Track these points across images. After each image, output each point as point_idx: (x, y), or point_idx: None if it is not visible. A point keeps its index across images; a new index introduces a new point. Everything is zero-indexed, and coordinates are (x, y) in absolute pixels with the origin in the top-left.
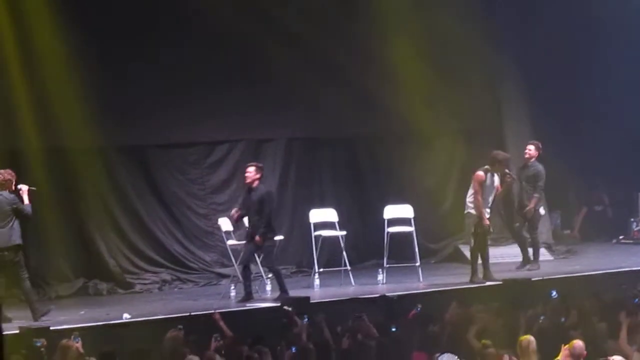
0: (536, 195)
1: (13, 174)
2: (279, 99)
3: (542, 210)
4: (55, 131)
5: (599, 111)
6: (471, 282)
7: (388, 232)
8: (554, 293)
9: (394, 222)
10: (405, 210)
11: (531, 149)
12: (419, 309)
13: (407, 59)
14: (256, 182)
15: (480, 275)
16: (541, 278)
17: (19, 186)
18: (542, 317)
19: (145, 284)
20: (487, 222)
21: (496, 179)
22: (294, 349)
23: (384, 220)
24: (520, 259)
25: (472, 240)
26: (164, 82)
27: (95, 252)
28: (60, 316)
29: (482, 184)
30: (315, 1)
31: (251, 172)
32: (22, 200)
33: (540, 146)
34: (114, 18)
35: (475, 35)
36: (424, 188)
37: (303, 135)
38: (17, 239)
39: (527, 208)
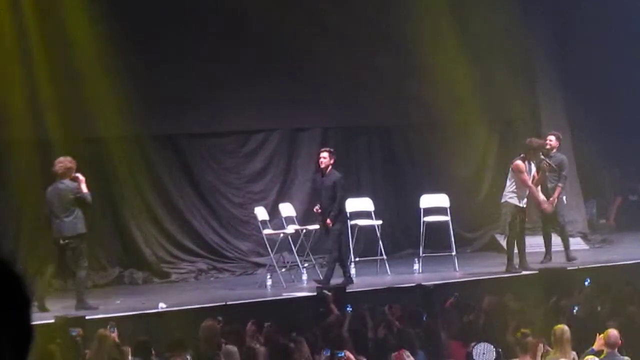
0: (560, 184)
1: (74, 162)
2: (315, 88)
3: (564, 199)
4: (90, 120)
5: (634, 100)
6: (507, 271)
7: (424, 222)
8: (588, 281)
9: (429, 211)
10: (441, 200)
11: (552, 140)
12: (456, 296)
13: (443, 49)
14: (330, 167)
15: (517, 264)
16: (577, 267)
17: (77, 175)
18: (576, 307)
19: (181, 273)
20: (547, 206)
21: (533, 167)
22: (327, 351)
23: (419, 209)
24: (558, 248)
25: (509, 230)
26: (200, 71)
27: (131, 241)
28: (95, 305)
29: (525, 173)
30: None
31: (326, 157)
32: (80, 189)
33: (561, 137)
34: (149, 6)
35: (512, 26)
36: (460, 177)
37: (338, 125)
38: (82, 228)
39: (552, 198)
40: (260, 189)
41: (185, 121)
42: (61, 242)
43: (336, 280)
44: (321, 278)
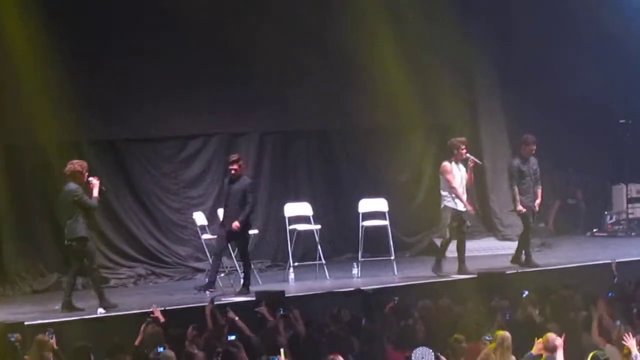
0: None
1: (84, 165)
2: (252, 93)
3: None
4: (27, 127)
5: (572, 105)
6: (435, 273)
7: (363, 226)
8: (526, 293)
9: (368, 215)
10: (379, 204)
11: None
12: (395, 301)
13: (381, 54)
14: (239, 173)
15: (455, 268)
16: (515, 271)
17: (90, 179)
18: (510, 313)
19: (120, 278)
20: (472, 208)
21: (462, 167)
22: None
23: (358, 213)
24: (503, 252)
25: (449, 233)
26: (138, 77)
27: (68, 247)
28: (34, 311)
29: (451, 173)
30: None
31: (235, 166)
32: (90, 193)
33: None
34: (89, 12)
35: (450, 30)
36: (399, 182)
37: (276, 129)
38: (81, 232)
39: (538, 201)
40: (199, 194)
41: (124, 126)
42: (65, 243)
43: (273, 285)
44: (260, 283)
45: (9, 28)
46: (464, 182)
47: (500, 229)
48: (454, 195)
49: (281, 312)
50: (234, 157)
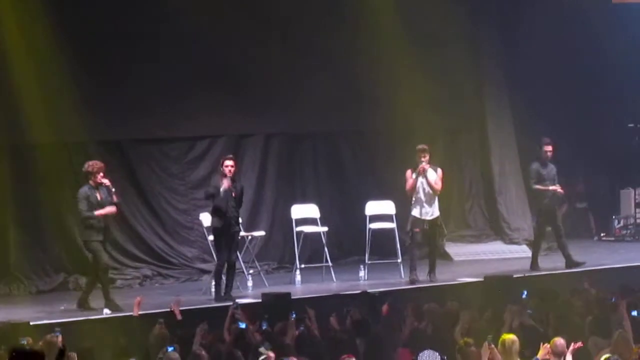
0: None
1: (96, 166)
2: (259, 95)
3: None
4: (34, 127)
5: (580, 109)
6: (409, 281)
7: (370, 228)
8: (525, 293)
9: (375, 218)
10: (387, 207)
11: (550, 148)
12: (390, 302)
13: (391, 58)
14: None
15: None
16: (522, 275)
17: (103, 180)
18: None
19: (126, 279)
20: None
21: (431, 174)
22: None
23: (365, 216)
24: (511, 255)
25: (409, 241)
26: (146, 78)
27: (75, 247)
28: (40, 312)
29: (408, 179)
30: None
31: (232, 165)
32: (99, 194)
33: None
34: (97, 13)
35: (458, 35)
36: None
37: (283, 131)
38: (84, 235)
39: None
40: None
41: (131, 127)
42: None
43: (279, 287)
44: (266, 285)
45: (17, 29)
46: (426, 189)
47: (508, 232)
48: (413, 202)
49: (293, 314)
50: (229, 158)
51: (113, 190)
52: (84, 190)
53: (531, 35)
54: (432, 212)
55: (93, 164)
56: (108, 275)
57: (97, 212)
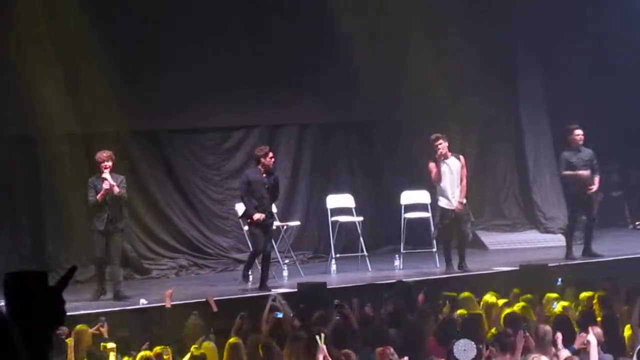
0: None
1: (101, 156)
2: (293, 85)
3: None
4: (71, 116)
5: (616, 98)
6: (445, 272)
7: (405, 218)
8: (560, 281)
9: (410, 207)
10: (422, 196)
11: (580, 133)
12: (425, 292)
13: (424, 47)
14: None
15: (456, 266)
16: (558, 264)
17: (103, 175)
18: (555, 304)
19: (162, 269)
20: (458, 205)
21: (453, 162)
22: None
23: (400, 205)
24: (546, 245)
25: (439, 232)
26: (180, 69)
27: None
28: (77, 301)
29: (432, 171)
30: None
31: (273, 156)
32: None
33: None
34: (133, 4)
35: (492, 22)
36: None
37: (317, 121)
38: (91, 224)
39: (594, 189)
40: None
41: (166, 117)
42: None
43: (314, 277)
44: (302, 274)
45: (53, 17)
46: (457, 179)
47: (543, 221)
48: (438, 192)
49: (336, 302)
50: (271, 151)
51: (114, 183)
52: (92, 179)
53: (566, 21)
54: (457, 199)
55: (99, 154)
56: (103, 268)
57: (98, 196)
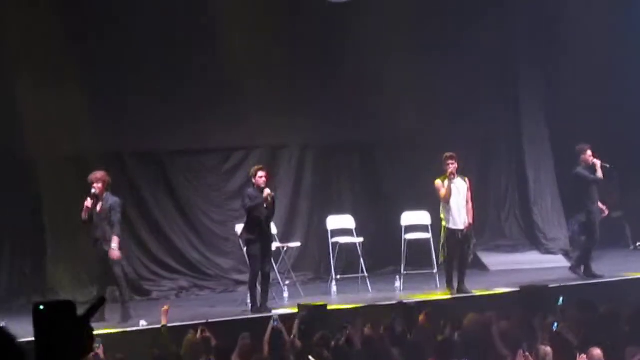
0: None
1: (92, 177)
2: (294, 106)
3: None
4: (70, 138)
5: (618, 119)
6: (446, 292)
7: (405, 239)
8: (561, 299)
9: (411, 228)
10: (422, 217)
11: (590, 153)
12: (428, 313)
13: (424, 67)
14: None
15: (455, 286)
16: (559, 285)
17: (87, 199)
18: (556, 324)
19: (162, 290)
20: (466, 225)
21: (460, 183)
22: None
23: (401, 226)
24: (547, 265)
25: (444, 253)
26: (181, 88)
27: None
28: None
29: (439, 189)
30: (331, 10)
31: (266, 175)
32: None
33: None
34: (131, 24)
35: (494, 42)
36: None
37: (318, 142)
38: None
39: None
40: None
41: (168, 138)
42: None
43: (315, 298)
44: (302, 295)
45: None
46: (463, 199)
47: (544, 242)
48: (444, 215)
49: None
50: (262, 169)
51: (89, 204)
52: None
53: (567, 40)
54: (463, 221)
55: (91, 175)
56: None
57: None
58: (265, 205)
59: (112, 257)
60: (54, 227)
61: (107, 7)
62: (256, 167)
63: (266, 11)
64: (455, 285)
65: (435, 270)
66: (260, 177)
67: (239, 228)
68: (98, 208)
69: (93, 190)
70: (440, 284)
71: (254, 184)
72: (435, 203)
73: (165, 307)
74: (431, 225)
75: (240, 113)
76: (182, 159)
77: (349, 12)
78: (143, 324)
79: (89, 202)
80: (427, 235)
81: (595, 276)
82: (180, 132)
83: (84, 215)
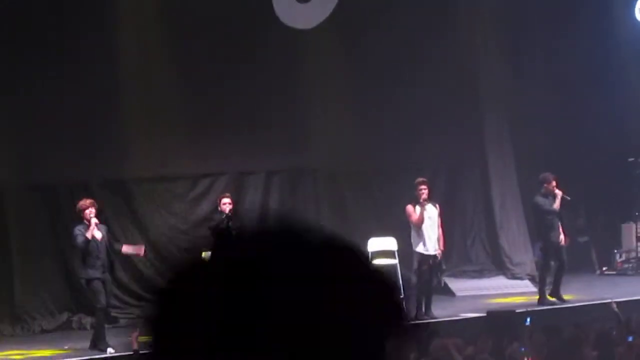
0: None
1: (84, 204)
2: (261, 133)
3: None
4: (37, 168)
5: (581, 144)
6: (417, 318)
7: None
8: (528, 320)
9: (377, 254)
10: (389, 243)
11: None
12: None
13: (391, 98)
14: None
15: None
16: (525, 310)
17: (89, 219)
18: (523, 349)
19: (130, 318)
20: (437, 252)
21: (431, 209)
22: None
23: (367, 252)
24: (513, 290)
25: (416, 277)
26: (149, 116)
27: (79, 286)
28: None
29: (411, 214)
30: (292, 36)
31: (230, 202)
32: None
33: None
34: (101, 55)
35: (460, 69)
36: (407, 221)
37: (284, 168)
38: (81, 272)
39: (564, 237)
40: (208, 234)
41: (133, 166)
42: None
43: None
44: None
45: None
46: (433, 224)
47: (510, 267)
48: (414, 238)
49: None
50: (226, 196)
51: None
52: (78, 227)
53: (532, 68)
54: (434, 246)
55: (82, 202)
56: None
57: (124, 249)
58: (233, 231)
59: (141, 254)
60: (21, 256)
61: (72, 40)
62: (220, 195)
63: (225, 39)
64: (423, 310)
65: (402, 296)
66: (224, 203)
67: (206, 255)
68: (99, 235)
69: (93, 217)
70: (409, 309)
71: (219, 210)
72: (401, 229)
73: (136, 333)
74: (397, 250)
75: (208, 140)
76: (147, 187)
77: (308, 38)
78: (111, 351)
79: (93, 226)
80: (394, 261)
81: (559, 300)
82: (147, 160)
83: (90, 237)
